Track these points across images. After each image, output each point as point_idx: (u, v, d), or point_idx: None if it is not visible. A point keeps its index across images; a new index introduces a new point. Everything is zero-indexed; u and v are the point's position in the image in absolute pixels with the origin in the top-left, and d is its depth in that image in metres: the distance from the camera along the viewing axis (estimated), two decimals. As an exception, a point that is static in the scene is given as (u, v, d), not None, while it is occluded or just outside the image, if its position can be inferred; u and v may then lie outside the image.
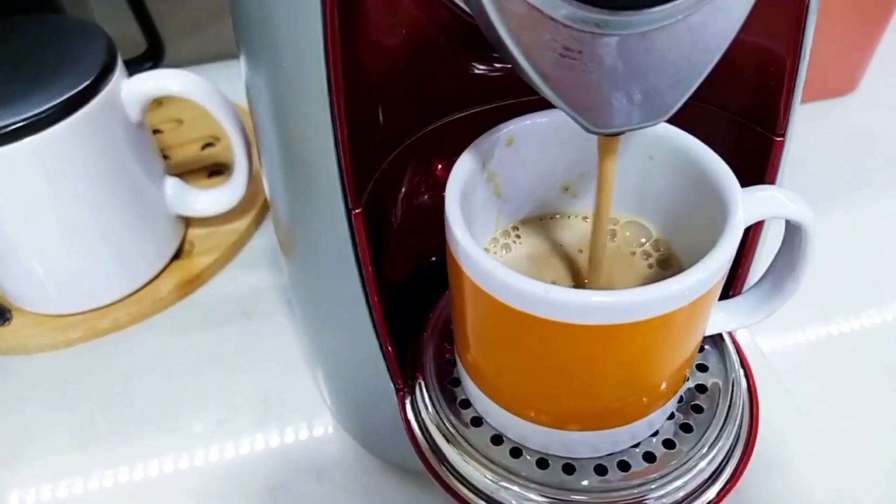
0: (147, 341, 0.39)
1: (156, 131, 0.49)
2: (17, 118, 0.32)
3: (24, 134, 0.32)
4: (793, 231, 0.22)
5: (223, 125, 0.37)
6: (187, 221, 0.43)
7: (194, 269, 0.41)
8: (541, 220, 0.26)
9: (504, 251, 0.25)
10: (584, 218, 0.26)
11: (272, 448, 0.33)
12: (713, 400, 0.25)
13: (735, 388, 0.25)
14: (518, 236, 0.25)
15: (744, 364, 0.27)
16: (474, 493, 0.24)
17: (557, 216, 0.26)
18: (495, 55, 0.24)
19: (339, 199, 0.22)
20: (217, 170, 0.47)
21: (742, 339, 0.28)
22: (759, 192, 0.21)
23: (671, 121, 0.20)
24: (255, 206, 0.44)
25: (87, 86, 0.33)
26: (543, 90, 0.17)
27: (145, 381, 0.37)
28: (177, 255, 0.42)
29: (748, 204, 0.21)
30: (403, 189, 0.26)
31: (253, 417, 0.35)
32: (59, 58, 0.34)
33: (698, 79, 0.17)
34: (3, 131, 0.31)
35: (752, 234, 0.26)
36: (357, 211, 0.22)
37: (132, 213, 0.38)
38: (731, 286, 0.27)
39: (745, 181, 0.22)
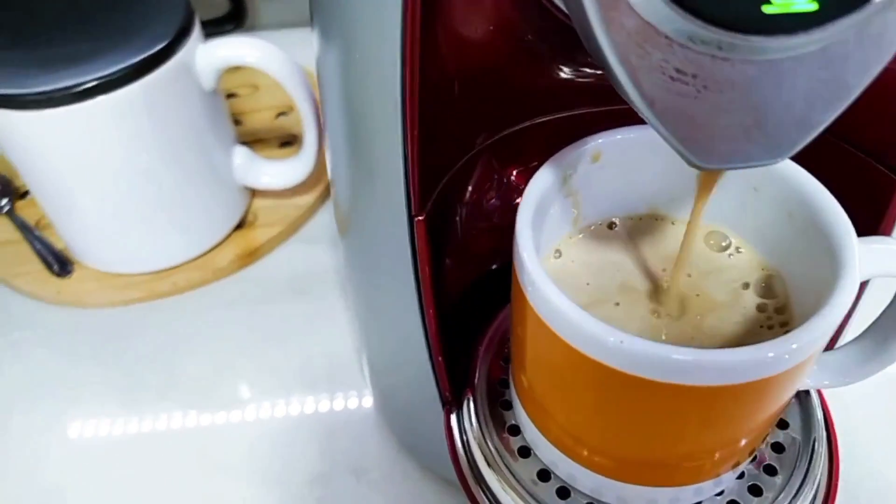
0: (202, 309, 0.38)
1: (230, 95, 0.48)
2: (91, 77, 0.31)
3: (97, 93, 0.31)
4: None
5: (295, 100, 0.35)
6: (253, 192, 0.42)
7: (255, 241, 0.40)
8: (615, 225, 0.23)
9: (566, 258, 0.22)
10: (672, 222, 0.23)
11: (311, 435, 0.32)
12: (790, 461, 0.22)
13: (816, 449, 0.22)
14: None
15: (828, 423, 0.24)
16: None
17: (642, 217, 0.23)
18: (588, 59, 0.22)
19: (402, 204, 0.20)
20: (288, 140, 0.46)
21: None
22: (876, 244, 0.18)
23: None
24: (322, 182, 0.43)
25: (162, 49, 0.32)
26: (646, 116, 0.14)
27: (195, 347, 0.36)
28: (240, 225, 0.41)
29: (862, 257, 0.18)
30: (471, 194, 0.24)
31: (296, 398, 0.34)
32: (135, 18, 0.34)
33: (829, 118, 0.14)
34: (76, 89, 0.31)
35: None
36: (420, 218, 0.20)
37: (198, 180, 0.37)
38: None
39: (858, 225, 0.19)
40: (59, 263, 0.39)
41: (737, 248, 0.22)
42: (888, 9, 0.13)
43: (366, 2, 0.17)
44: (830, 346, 0.24)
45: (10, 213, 0.42)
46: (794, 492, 0.22)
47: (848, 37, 0.13)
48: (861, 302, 0.24)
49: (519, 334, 0.20)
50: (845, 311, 0.17)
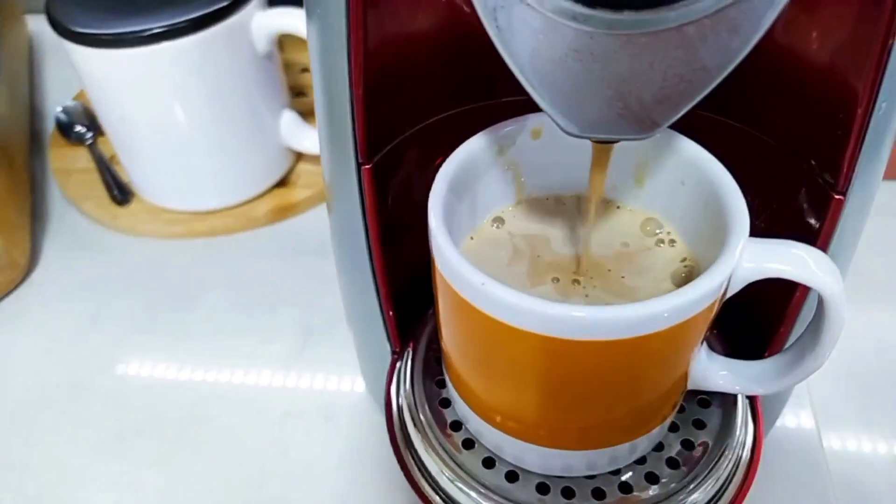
0: (232, 253, 0.41)
1: (304, 70, 0.52)
2: (156, 25, 0.35)
3: (161, 39, 0.35)
4: (819, 301, 0.19)
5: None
6: (299, 156, 0.45)
7: (291, 199, 0.43)
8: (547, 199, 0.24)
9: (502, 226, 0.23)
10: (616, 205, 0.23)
11: (295, 379, 0.35)
12: (693, 459, 0.22)
13: (726, 454, 0.23)
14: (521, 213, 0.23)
15: (756, 437, 0.24)
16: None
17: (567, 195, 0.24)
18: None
19: (350, 152, 0.22)
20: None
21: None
22: (781, 246, 0.18)
23: (725, 142, 0.18)
24: (362, 155, 0.45)
25: (221, 8, 0.36)
26: (523, 82, 0.16)
27: (218, 287, 0.40)
28: (281, 184, 0.44)
29: (761, 253, 0.18)
30: (424, 159, 0.26)
31: (292, 347, 0.36)
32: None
33: (690, 98, 0.15)
34: (143, 34, 0.35)
35: (794, 297, 0.23)
36: (367, 166, 0.22)
37: (244, 134, 0.40)
38: (765, 348, 0.24)
39: (798, 235, 0.19)
40: (121, 193, 0.44)
41: (669, 237, 0.22)
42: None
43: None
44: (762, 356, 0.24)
45: (92, 146, 0.47)
46: (689, 488, 0.22)
47: (702, 19, 0.14)
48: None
49: (442, 314, 0.21)
50: (713, 286, 0.17)
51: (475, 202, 0.22)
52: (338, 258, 0.28)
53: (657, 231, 0.22)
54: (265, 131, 0.42)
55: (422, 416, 0.24)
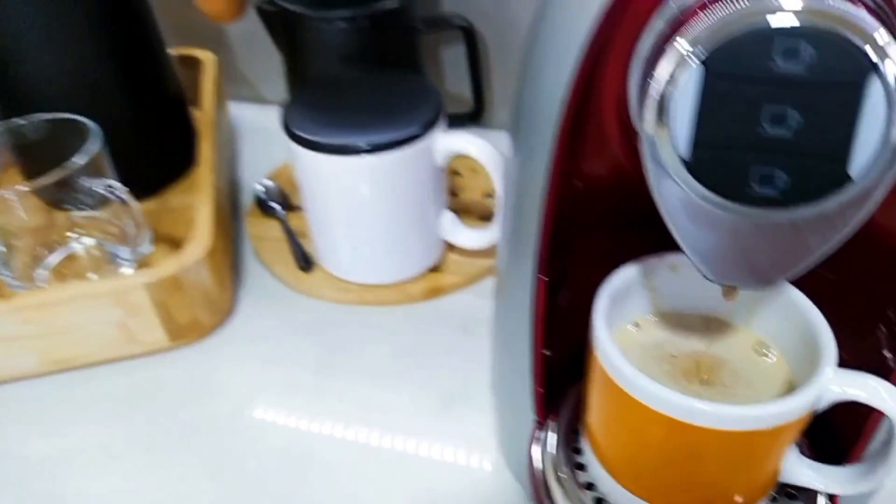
0: (391, 321, 0.49)
1: (455, 173, 0.61)
2: (366, 141, 0.44)
3: (368, 152, 0.44)
4: (890, 425, 0.24)
5: (497, 188, 0.46)
6: (450, 247, 0.53)
7: (441, 282, 0.51)
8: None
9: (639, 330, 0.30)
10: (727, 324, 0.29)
11: (432, 439, 0.41)
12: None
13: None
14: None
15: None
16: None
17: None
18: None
19: (530, 264, 0.29)
20: (488, 216, 0.57)
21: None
22: (861, 377, 0.24)
23: (822, 289, 0.24)
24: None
25: (416, 132, 0.45)
26: (679, 242, 0.23)
27: (376, 349, 0.47)
28: (434, 269, 0.52)
29: (844, 381, 0.24)
30: (584, 273, 0.33)
31: (433, 409, 0.43)
32: (405, 107, 0.47)
33: (797, 268, 0.22)
34: (355, 147, 0.44)
35: (870, 418, 0.28)
36: (543, 278, 0.29)
37: (414, 227, 0.49)
38: (846, 456, 0.29)
39: (875, 368, 0.25)
40: (305, 262, 0.53)
41: (774, 357, 0.28)
42: (841, 205, 0.20)
43: (531, 126, 0.27)
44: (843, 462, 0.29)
45: (283, 221, 0.57)
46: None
47: (809, 217, 0.21)
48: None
49: (588, 381, 0.28)
50: (804, 403, 0.23)
51: (622, 310, 0.29)
52: (498, 341, 0.35)
53: (764, 351, 0.28)
54: (428, 226, 0.50)
55: (561, 474, 0.30)
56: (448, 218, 0.51)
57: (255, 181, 0.61)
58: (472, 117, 0.62)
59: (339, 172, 0.46)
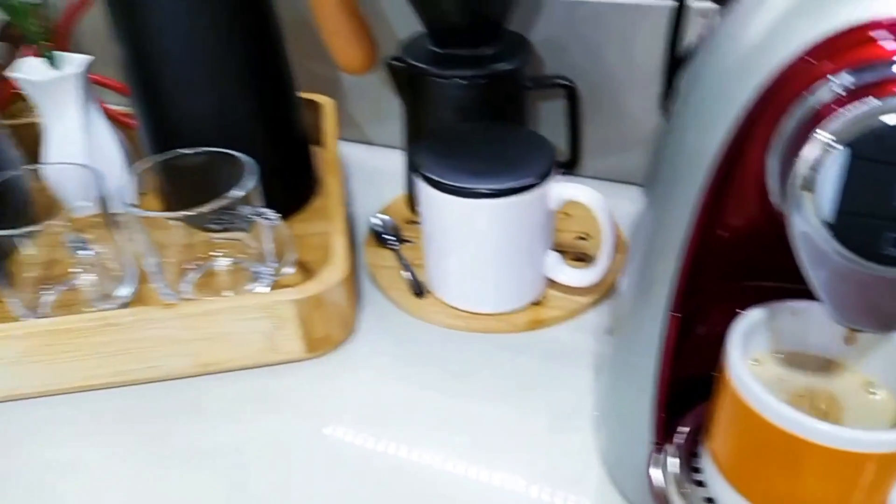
0: (496, 346, 0.54)
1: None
2: (487, 187, 0.49)
3: (489, 196, 0.50)
4: None
5: (603, 233, 0.51)
6: (551, 283, 0.58)
7: (543, 315, 0.56)
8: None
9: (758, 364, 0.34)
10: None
11: (537, 462, 0.45)
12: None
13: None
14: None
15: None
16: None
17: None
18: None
19: (662, 302, 0.34)
20: (580, 257, 0.62)
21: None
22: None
23: None
24: (597, 293, 0.58)
25: (534, 181, 0.50)
26: (815, 291, 0.27)
27: (482, 372, 0.52)
28: (536, 302, 0.57)
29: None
30: (707, 316, 0.37)
31: (537, 434, 0.47)
32: (523, 157, 0.52)
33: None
34: (477, 191, 0.49)
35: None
36: (675, 315, 0.34)
37: (522, 264, 0.54)
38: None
39: None
40: (418, 289, 0.59)
41: (882, 394, 0.32)
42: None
43: (672, 183, 0.32)
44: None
45: (397, 252, 0.63)
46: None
47: (932, 277, 0.25)
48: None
49: (718, 405, 0.32)
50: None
51: (745, 346, 0.33)
52: (616, 370, 0.40)
53: (872, 390, 0.32)
54: (535, 264, 0.55)
55: (684, 490, 0.34)
56: (552, 257, 0.56)
57: (364, 213, 0.67)
58: (567, 166, 0.67)
59: (461, 212, 0.51)
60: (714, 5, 0.41)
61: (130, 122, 0.74)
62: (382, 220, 0.66)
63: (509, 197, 0.50)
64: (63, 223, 0.53)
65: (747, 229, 0.32)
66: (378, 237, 0.65)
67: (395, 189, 0.71)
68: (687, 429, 0.38)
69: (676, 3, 0.53)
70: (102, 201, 0.53)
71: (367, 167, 0.78)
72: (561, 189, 0.52)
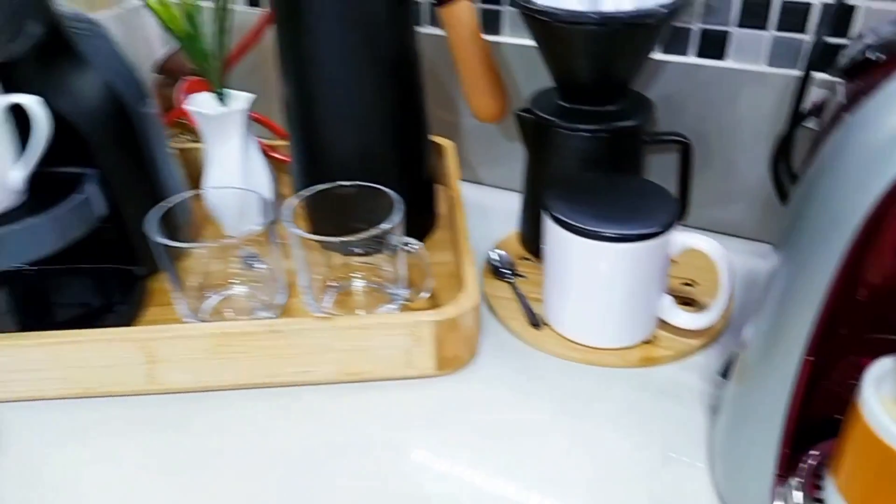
0: (610, 382, 0.58)
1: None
2: (616, 233, 0.54)
3: (621, 241, 0.54)
4: None
5: (721, 282, 0.55)
6: (662, 323, 0.61)
7: (654, 353, 0.59)
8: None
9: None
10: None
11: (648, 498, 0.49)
12: None
13: None
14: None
15: None
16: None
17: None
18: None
19: (797, 350, 0.37)
20: (687, 301, 0.65)
21: None
22: None
23: None
24: (707, 336, 0.61)
25: (658, 230, 0.54)
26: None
27: (595, 403, 0.55)
28: (647, 341, 0.60)
29: None
30: (843, 361, 0.40)
31: (649, 467, 0.51)
32: (645, 203, 0.56)
33: None
34: (608, 235, 0.54)
35: None
36: (809, 359, 0.37)
37: (639, 304, 0.58)
38: None
39: None
40: (534, 321, 0.63)
41: None
42: None
43: (812, 243, 0.36)
44: None
45: (513, 285, 0.67)
46: None
47: None
48: None
49: (847, 440, 0.35)
50: None
51: (878, 388, 0.36)
52: (742, 409, 0.43)
53: None
54: (650, 305, 0.59)
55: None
56: (666, 300, 0.59)
57: (476, 247, 0.72)
58: (679, 214, 0.70)
59: (587, 252, 0.56)
60: (837, 78, 0.45)
61: (276, 154, 0.82)
62: (499, 254, 0.71)
63: (634, 242, 0.54)
64: (237, 240, 0.60)
65: (885, 287, 0.36)
66: (495, 270, 0.69)
67: (504, 226, 0.76)
68: (809, 463, 0.40)
69: (802, 74, 0.57)
70: (268, 223, 0.59)
71: (478, 205, 0.83)
72: (683, 238, 0.55)
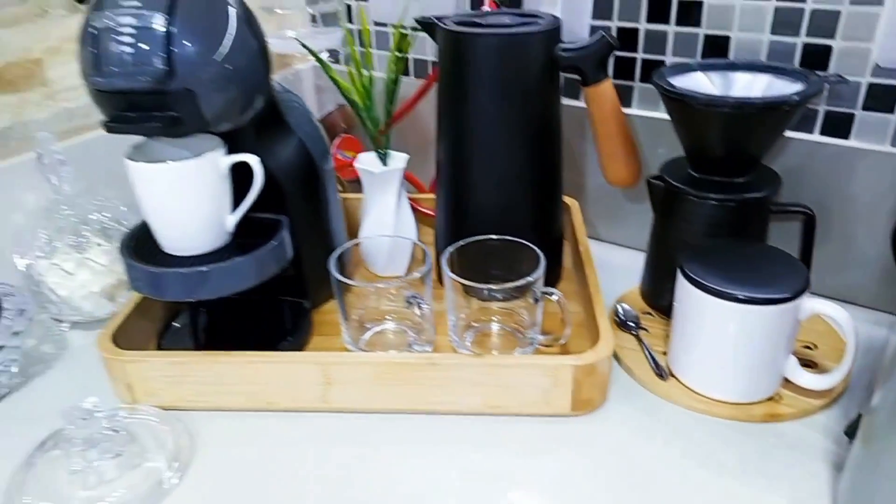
0: (730, 433, 0.60)
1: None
2: (744, 294, 0.58)
3: (743, 302, 0.58)
4: None
5: (848, 347, 0.57)
6: (786, 382, 0.64)
7: (778, 411, 0.62)
8: None
9: None
10: None
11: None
12: None
13: None
14: None
15: None
16: None
17: None
18: None
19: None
20: (807, 363, 0.67)
21: None
22: None
23: None
24: (828, 397, 0.63)
25: (789, 296, 0.57)
26: None
27: (721, 454, 0.58)
28: (771, 398, 0.63)
29: None
30: None
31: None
32: (776, 270, 0.60)
33: None
34: (732, 294, 0.58)
35: None
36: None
37: (765, 363, 0.61)
38: None
39: None
40: (659, 371, 0.67)
41: None
42: None
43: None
44: None
45: (639, 337, 0.71)
46: None
47: None
48: None
49: None
50: None
51: None
52: (870, 467, 0.45)
53: None
54: (776, 364, 0.62)
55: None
56: (792, 361, 0.62)
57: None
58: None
59: (720, 312, 0.60)
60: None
61: (420, 207, 0.90)
62: (624, 308, 0.76)
63: (767, 306, 0.58)
64: (403, 281, 0.67)
65: None
66: (621, 323, 0.74)
67: (623, 282, 0.80)
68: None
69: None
70: (428, 269, 0.66)
71: (598, 260, 0.88)
72: (813, 304, 0.59)
